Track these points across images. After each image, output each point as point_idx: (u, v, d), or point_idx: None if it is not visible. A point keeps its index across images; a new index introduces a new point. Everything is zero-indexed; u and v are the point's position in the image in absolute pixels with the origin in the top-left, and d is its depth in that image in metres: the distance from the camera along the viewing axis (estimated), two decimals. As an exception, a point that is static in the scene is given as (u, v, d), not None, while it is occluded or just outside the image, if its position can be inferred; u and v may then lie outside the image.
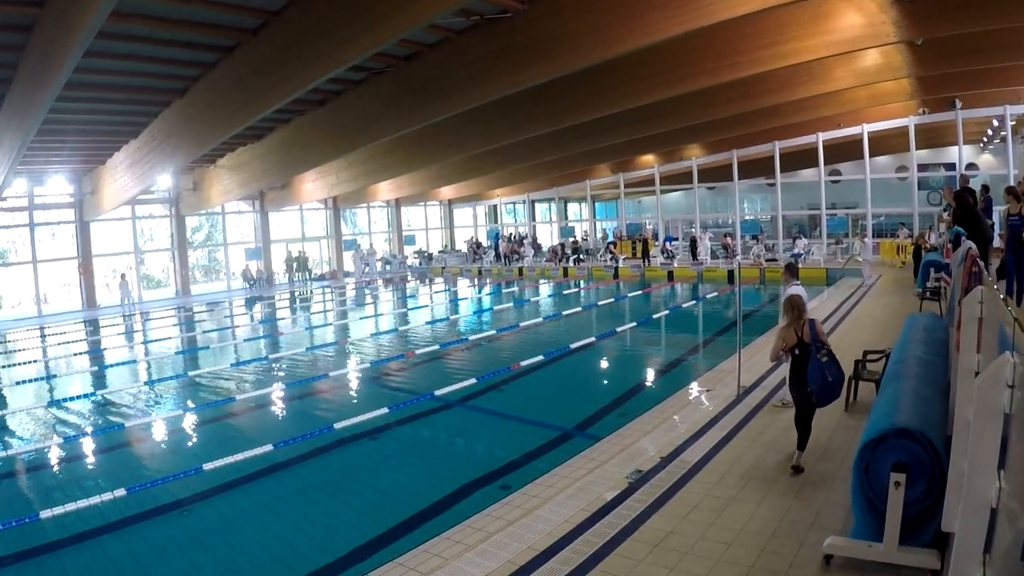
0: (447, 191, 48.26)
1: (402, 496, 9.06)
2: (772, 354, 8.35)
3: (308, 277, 44.06)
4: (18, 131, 19.44)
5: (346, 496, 9.34)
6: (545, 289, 33.43)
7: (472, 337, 20.47)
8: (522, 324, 21.63)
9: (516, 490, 8.06)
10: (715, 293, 26.86)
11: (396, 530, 8.01)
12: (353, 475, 10.20)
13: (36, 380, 18.18)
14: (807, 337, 7.76)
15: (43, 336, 26.76)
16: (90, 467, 11.44)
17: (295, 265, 43.65)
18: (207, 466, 9.90)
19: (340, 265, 46.39)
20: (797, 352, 7.86)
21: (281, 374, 17.33)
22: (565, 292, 31.11)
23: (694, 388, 12.20)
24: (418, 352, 18.45)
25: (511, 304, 28.34)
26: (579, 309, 25.17)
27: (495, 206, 55.19)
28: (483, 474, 9.52)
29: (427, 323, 24.52)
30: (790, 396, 9.60)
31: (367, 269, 45.97)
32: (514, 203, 55.35)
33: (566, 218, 55.56)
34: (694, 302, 25.33)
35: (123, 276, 33.78)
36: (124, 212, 35.90)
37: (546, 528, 6.82)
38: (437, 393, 13.48)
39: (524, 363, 15.75)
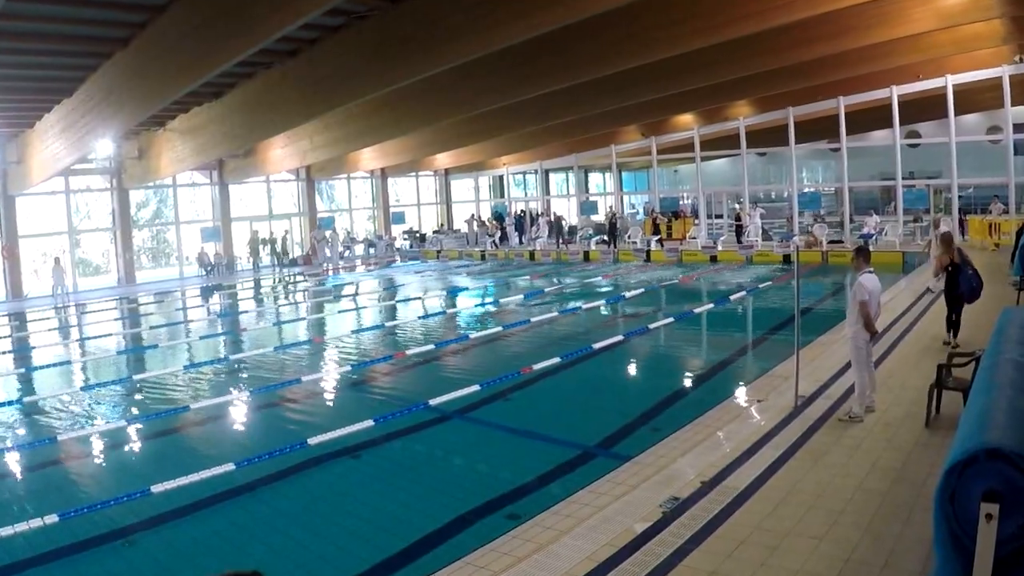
0: (443, 159, 48.16)
1: (389, 526, 9.06)
2: (935, 270, 15.98)
3: (278, 262, 44.26)
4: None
5: (321, 526, 9.33)
6: (565, 277, 33.33)
7: (474, 335, 20.46)
8: (534, 320, 21.60)
9: (527, 520, 8.04)
10: (768, 283, 26.83)
11: (381, 567, 7.99)
12: (330, 500, 10.19)
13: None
14: (957, 259, 14.07)
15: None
16: (15, 488, 11.43)
17: (271, 248, 43.78)
18: (156, 488, 9.93)
19: (314, 248, 46.42)
20: (950, 269, 14.16)
21: (244, 379, 17.35)
22: (587, 281, 31.07)
23: (742, 398, 12.17)
24: (409, 353, 18.47)
25: (522, 295, 28.31)
26: (603, 301, 25.14)
27: (501, 177, 55.08)
28: (486, 500, 9.48)
29: (420, 317, 24.52)
30: (856, 409, 9.77)
31: (346, 253, 46.15)
32: (524, 173, 55.28)
33: (587, 191, 55.49)
34: (743, 293, 25.26)
35: (56, 260, 33.84)
36: (56, 185, 35.97)
37: (563, 567, 6.80)
38: (432, 402, 13.50)
39: (537, 366, 15.75)
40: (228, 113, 28.42)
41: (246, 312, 29.68)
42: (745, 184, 39.25)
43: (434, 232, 52.03)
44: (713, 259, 35.23)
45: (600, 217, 47.79)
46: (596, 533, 7.40)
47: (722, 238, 38.21)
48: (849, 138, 34.86)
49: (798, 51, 24.79)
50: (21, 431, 14.13)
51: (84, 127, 26.02)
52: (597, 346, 17.56)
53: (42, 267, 37.06)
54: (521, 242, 46.37)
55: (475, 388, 14.21)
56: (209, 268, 40.72)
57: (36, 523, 9.07)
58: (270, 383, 16.37)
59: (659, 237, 39.31)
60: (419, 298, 30.20)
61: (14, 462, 12.42)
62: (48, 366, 20.29)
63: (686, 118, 40.00)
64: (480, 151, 45.38)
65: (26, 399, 16.37)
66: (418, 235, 51.09)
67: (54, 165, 30.34)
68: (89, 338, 24.94)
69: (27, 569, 8.40)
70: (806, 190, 41.80)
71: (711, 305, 23.48)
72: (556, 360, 16.27)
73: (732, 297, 24.71)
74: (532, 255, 42.41)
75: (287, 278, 40.59)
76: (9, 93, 25.82)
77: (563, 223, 44.97)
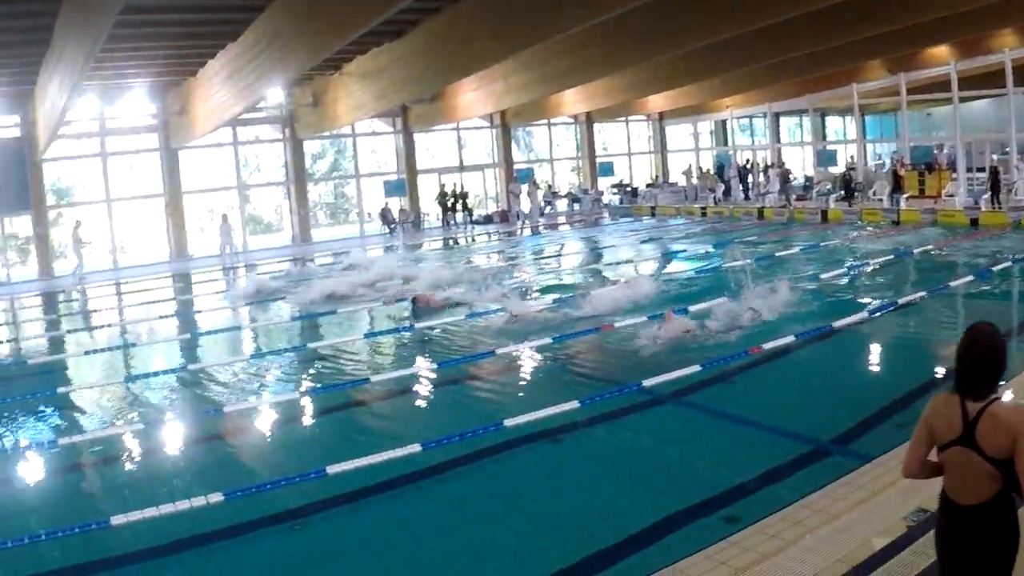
0: (657, 101, 47.52)
1: (587, 522, 9.04)
2: None
3: (468, 219, 44.95)
4: (83, 36, 20.17)
5: (511, 518, 9.42)
6: (799, 240, 32.48)
7: (693, 307, 20.09)
8: (758, 289, 21.13)
9: (748, 525, 7.90)
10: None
11: (576, 569, 7.99)
12: (523, 490, 10.25)
13: (113, 349, 19.78)
14: None
15: (119, 294, 28.72)
16: (175, 465, 12.02)
17: (462, 203, 44.73)
18: (331, 469, 10.27)
19: (510, 203, 46.96)
20: None
21: (431, 351, 17.77)
22: (824, 244, 30.23)
23: (1006, 393, 11.62)
24: (617, 325, 18.35)
25: (749, 261, 27.79)
26: (842, 270, 24.39)
27: (724, 122, 54.20)
28: (701, 500, 9.30)
29: (627, 284, 24.26)
30: None
31: (546, 207, 46.52)
32: (750, 117, 54.27)
33: (824, 138, 53.98)
34: (1009, 262, 24.02)
35: (224, 218, 35.27)
36: (223, 136, 37.81)
37: (789, 582, 6.68)
38: (645, 383, 13.45)
39: (767, 345, 15.46)
40: (411, 54, 28.72)
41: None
42: (1012, 130, 37.25)
43: (647, 186, 51.72)
44: (974, 222, 33.41)
45: (841, 167, 46.34)
46: (827, 546, 7.19)
47: (984, 196, 36.20)
48: None
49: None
50: (186, 401, 14.93)
51: (252, 73, 26.76)
52: (837, 324, 17.06)
53: (208, 225, 38.78)
54: (747, 197, 45.59)
55: (696, 368, 14.05)
56: (393, 225, 41.82)
57: (199, 502, 9.52)
58: (461, 355, 16.75)
59: (905, 194, 37.80)
60: (631, 261, 30.03)
61: (175, 434, 13.18)
62: (216, 331, 21.43)
63: (940, 50, 38.16)
64: (700, 92, 44.50)
65: (191, 366, 17.28)
66: (629, 189, 50.87)
67: (220, 115, 31.61)
68: (260, 302, 25.88)
69: (184, 550, 8.79)
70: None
71: (970, 278, 22.39)
72: (790, 339, 15.91)
73: (995, 269, 23.47)
74: (761, 213, 41.67)
75: (481, 236, 41.25)
76: (169, 39, 26.89)
77: (789, 176, 44.00)
